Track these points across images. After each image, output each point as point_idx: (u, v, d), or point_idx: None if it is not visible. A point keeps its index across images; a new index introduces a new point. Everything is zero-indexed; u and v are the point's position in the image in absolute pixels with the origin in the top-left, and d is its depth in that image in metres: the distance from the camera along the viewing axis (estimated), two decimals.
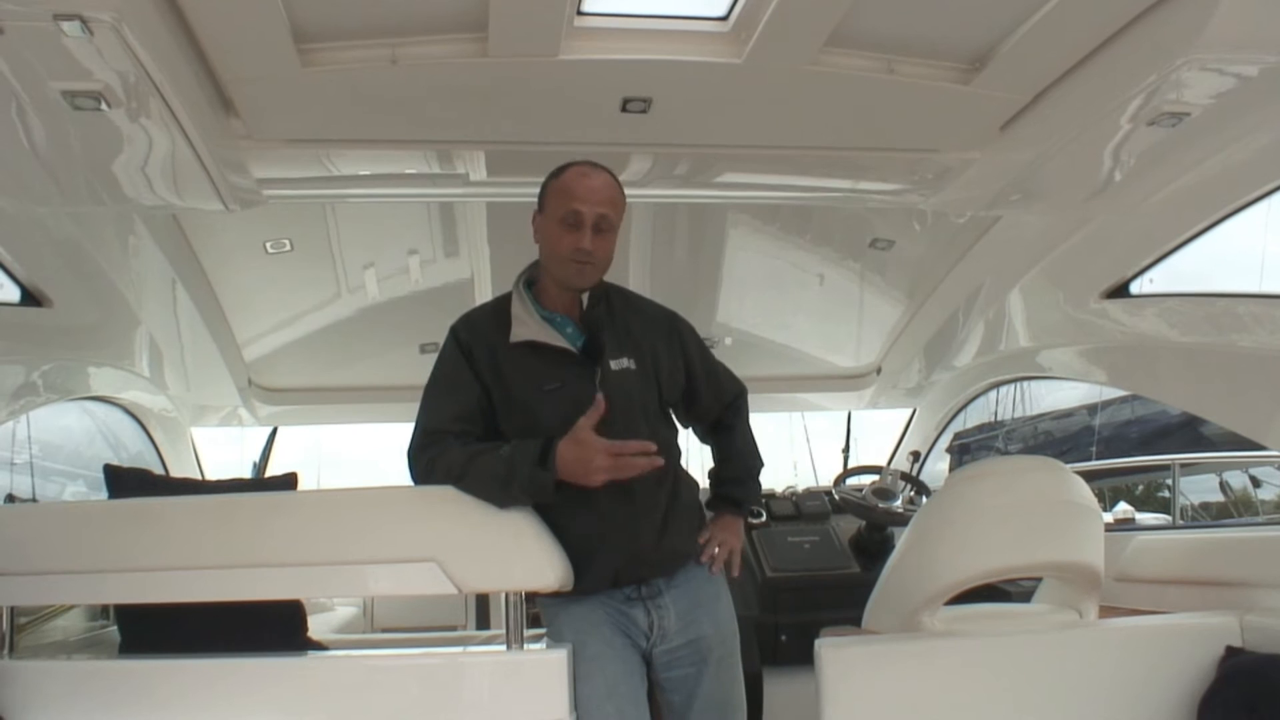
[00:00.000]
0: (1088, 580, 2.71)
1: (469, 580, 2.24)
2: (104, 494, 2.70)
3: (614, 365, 2.38)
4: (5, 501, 3.81)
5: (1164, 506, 8.43)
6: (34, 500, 4.03)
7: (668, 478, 2.44)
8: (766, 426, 2.73)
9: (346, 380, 5.17)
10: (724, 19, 2.64)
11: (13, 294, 3.11)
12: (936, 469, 5.62)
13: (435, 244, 4.23)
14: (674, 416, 2.61)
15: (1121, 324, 3.56)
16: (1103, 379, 4.16)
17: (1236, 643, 2.46)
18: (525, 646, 2.29)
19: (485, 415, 2.39)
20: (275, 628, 2.50)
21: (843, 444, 5.93)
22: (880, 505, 3.97)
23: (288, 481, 2.83)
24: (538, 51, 2.59)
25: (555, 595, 2.36)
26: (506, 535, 2.23)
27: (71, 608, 3.02)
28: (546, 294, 2.44)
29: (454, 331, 2.44)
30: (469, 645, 3.39)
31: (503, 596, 2.30)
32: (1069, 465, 2.92)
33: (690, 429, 2.70)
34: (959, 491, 2.76)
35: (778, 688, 3.45)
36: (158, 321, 4.05)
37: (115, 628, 2.80)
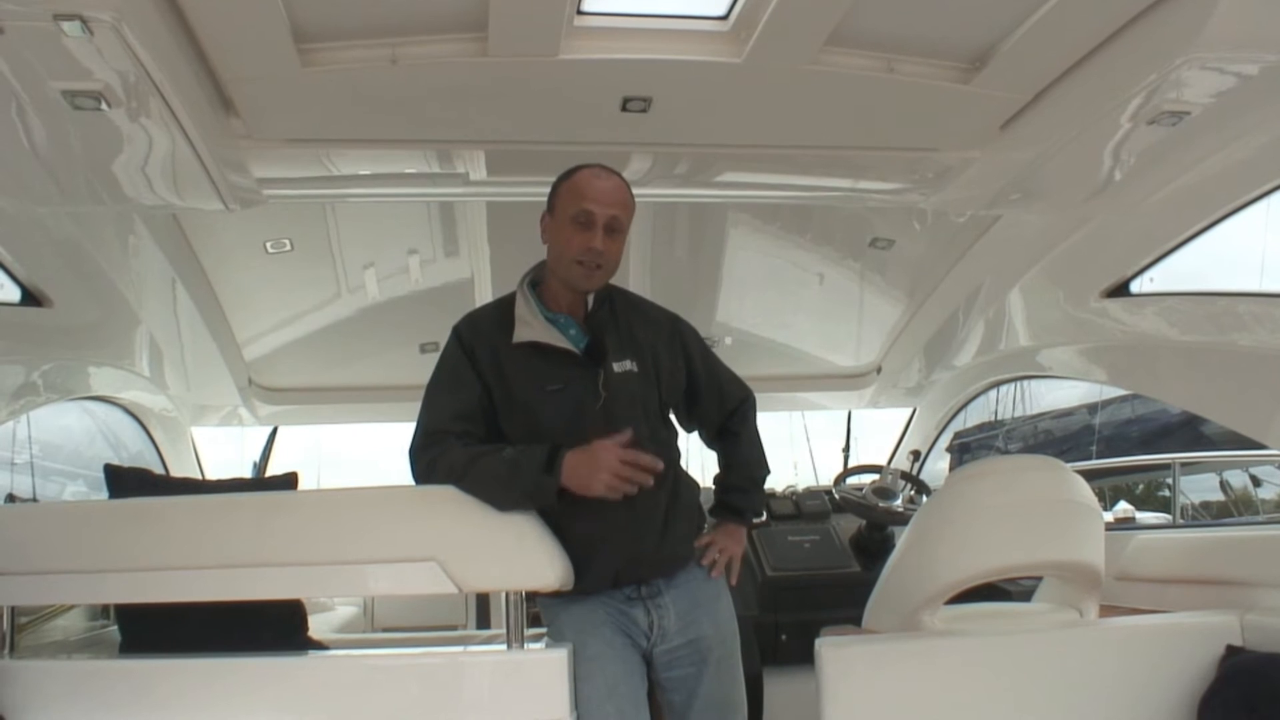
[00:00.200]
0: (1088, 579, 2.71)
1: (469, 580, 2.24)
2: (104, 494, 2.70)
3: (616, 367, 2.38)
4: (6, 501, 3.81)
5: (1164, 505, 8.44)
6: (34, 500, 4.03)
7: (668, 479, 2.43)
8: (767, 426, 2.72)
9: (347, 380, 5.17)
10: (724, 18, 2.64)
11: (13, 294, 3.11)
12: (937, 468, 5.62)
13: (435, 244, 4.23)
14: (675, 419, 2.61)
15: (1121, 323, 3.56)
16: (1103, 378, 4.16)
17: (1237, 642, 2.46)
18: (525, 646, 2.29)
19: (487, 415, 2.38)
20: (275, 627, 2.50)
21: (843, 443, 5.94)
22: (880, 504, 3.97)
23: (288, 481, 2.83)
24: (538, 51, 2.59)
25: (555, 595, 2.36)
26: (507, 535, 2.23)
27: (72, 607, 3.02)
28: (551, 295, 2.43)
29: (457, 331, 2.44)
30: (469, 645, 3.40)
31: (503, 596, 2.30)
32: (1069, 464, 2.92)
33: (694, 432, 2.68)
34: (959, 491, 2.76)
35: (778, 687, 3.44)
36: (158, 321, 4.05)
37: (115, 627, 2.81)
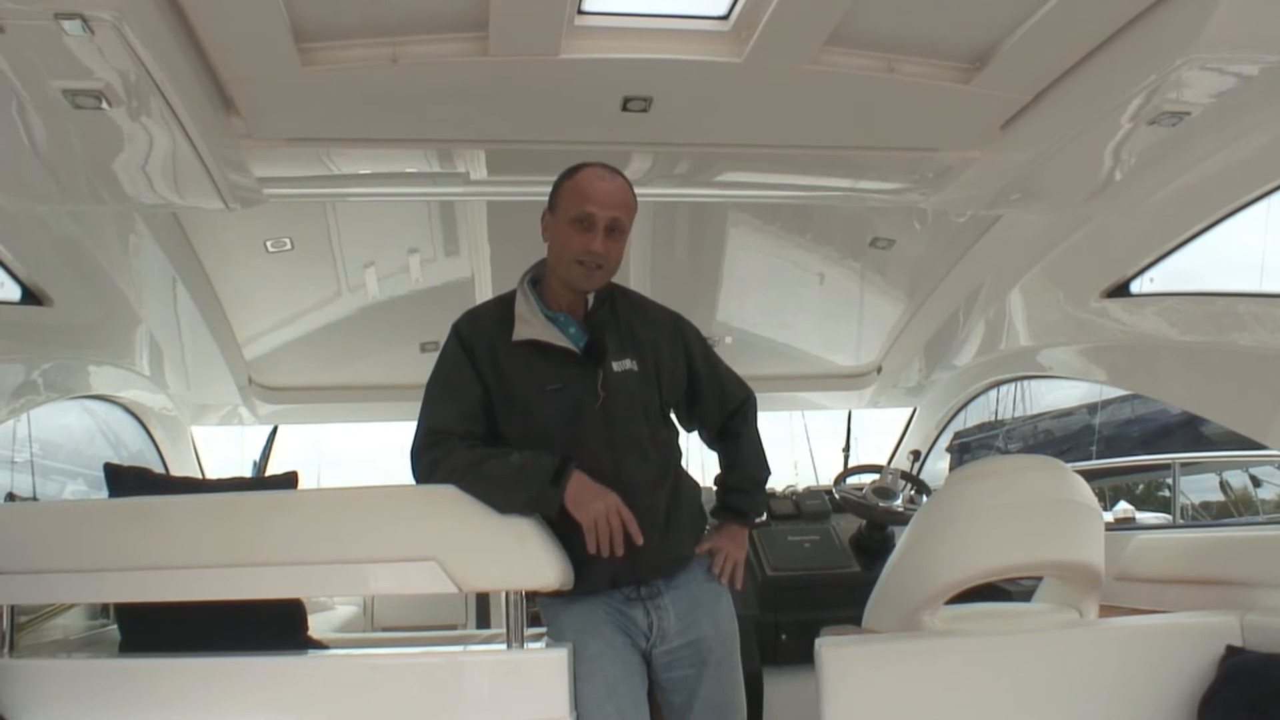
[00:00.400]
0: (1088, 579, 2.71)
1: (469, 579, 2.24)
2: (104, 493, 2.70)
3: (616, 367, 2.37)
4: (5, 500, 3.81)
5: (1164, 506, 8.45)
6: (34, 499, 4.03)
7: (668, 479, 2.44)
8: (767, 426, 2.72)
9: (347, 379, 5.17)
10: (724, 18, 2.64)
11: (13, 292, 3.11)
12: (937, 468, 5.62)
13: (436, 243, 4.23)
14: (676, 419, 2.61)
15: (1122, 323, 3.56)
16: (1103, 378, 4.16)
17: (1237, 642, 2.46)
18: (525, 646, 2.29)
19: (487, 413, 2.38)
20: (275, 626, 2.50)
21: (843, 443, 5.93)
22: (880, 504, 3.97)
23: (288, 480, 2.83)
24: (538, 51, 2.59)
25: (556, 595, 2.36)
26: (507, 535, 2.23)
27: (71, 606, 3.02)
28: (551, 293, 2.43)
29: (456, 329, 2.44)
30: (469, 644, 3.40)
31: (503, 596, 2.30)
32: (1069, 464, 2.92)
33: (695, 432, 2.68)
34: (959, 490, 2.76)
35: (778, 687, 3.44)
36: (158, 320, 4.05)
37: (115, 626, 2.81)
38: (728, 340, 4.91)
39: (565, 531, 2.30)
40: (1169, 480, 8.31)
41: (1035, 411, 9.94)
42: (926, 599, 2.54)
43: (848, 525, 4.11)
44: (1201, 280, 3.31)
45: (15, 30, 2.16)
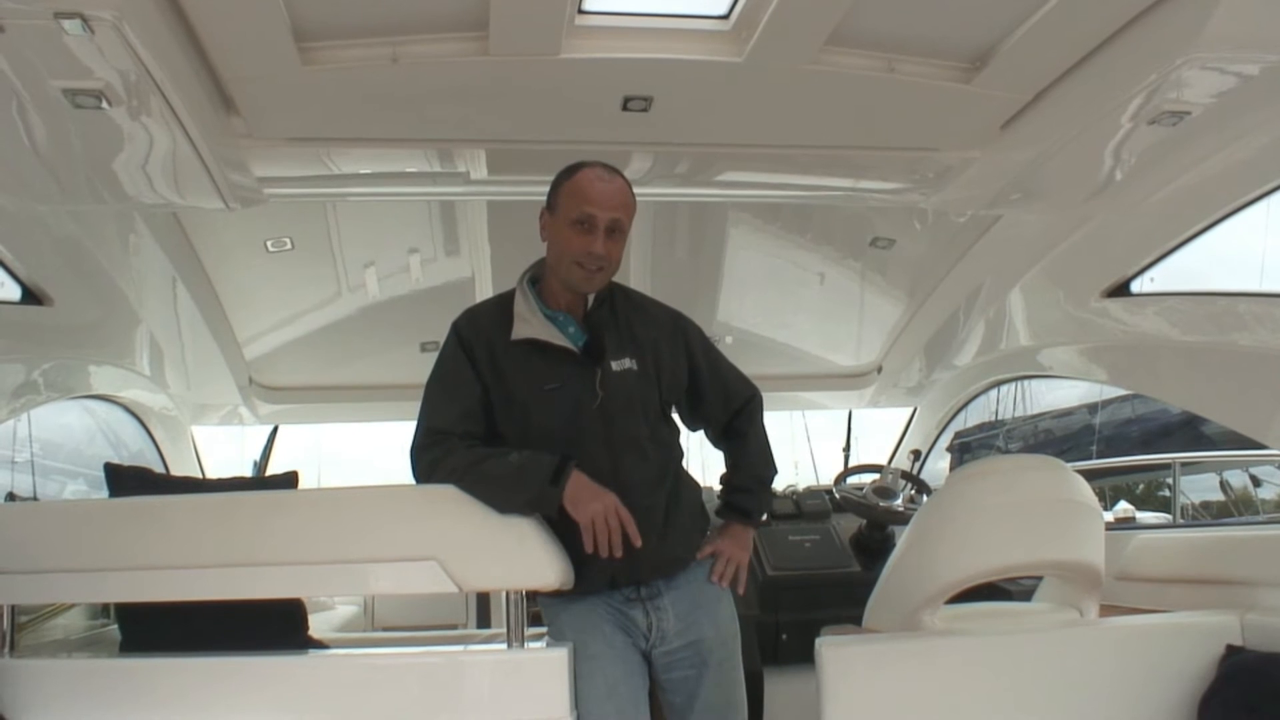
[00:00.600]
0: (1088, 579, 2.71)
1: (470, 579, 2.24)
2: (104, 492, 2.70)
3: (615, 366, 2.37)
4: (6, 500, 3.81)
5: (1164, 505, 8.46)
6: (34, 499, 4.03)
7: (668, 479, 2.44)
8: (767, 425, 2.71)
9: (347, 379, 5.17)
10: (725, 18, 2.64)
11: (13, 292, 3.11)
12: (937, 468, 5.62)
13: (436, 243, 4.23)
14: (679, 418, 2.60)
15: (1122, 323, 3.56)
16: (1103, 378, 4.16)
17: (1237, 641, 2.46)
18: (526, 645, 2.29)
19: (487, 413, 2.38)
20: (276, 626, 2.50)
21: (843, 443, 5.93)
22: (881, 504, 3.97)
23: (288, 480, 2.83)
24: (538, 50, 2.59)
25: (556, 594, 2.36)
26: (507, 534, 2.23)
27: (72, 606, 3.02)
28: (551, 292, 2.42)
29: (456, 328, 2.44)
30: (469, 644, 3.40)
31: (503, 595, 2.30)
32: (1069, 464, 2.92)
33: (699, 431, 2.67)
34: (959, 490, 2.76)
35: (778, 687, 3.44)
36: (158, 320, 4.05)
37: (116, 626, 2.80)
38: (728, 340, 4.91)
39: (565, 531, 2.29)
40: (1169, 480, 8.32)
41: (1035, 411, 9.96)
42: (927, 599, 2.54)
43: (848, 525, 4.11)
44: (1202, 280, 3.31)
45: (15, 30, 2.16)
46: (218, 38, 2.47)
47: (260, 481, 3.61)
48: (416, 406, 2.40)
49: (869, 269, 4.60)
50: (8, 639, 2.35)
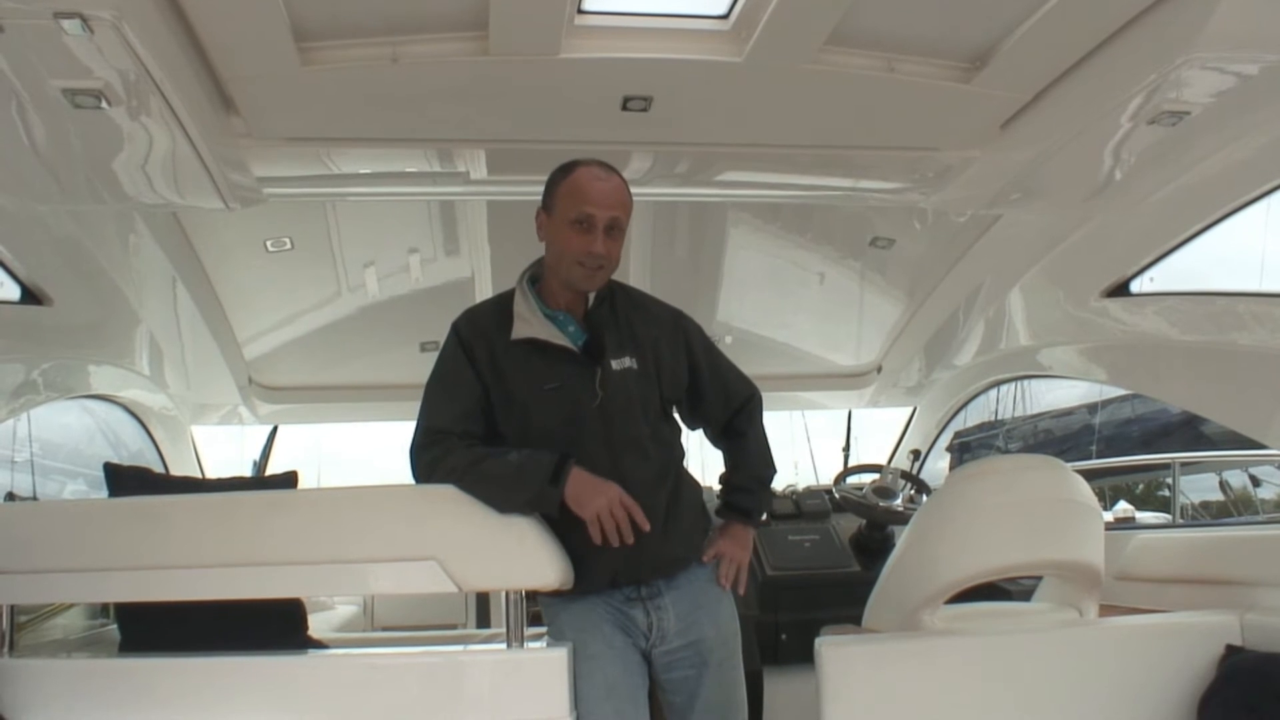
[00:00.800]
0: (1088, 579, 2.71)
1: (469, 579, 2.24)
2: (104, 492, 2.70)
3: (615, 365, 2.36)
4: (5, 500, 3.81)
5: (1164, 505, 8.46)
6: (34, 498, 4.03)
7: (668, 478, 2.43)
8: (767, 425, 2.71)
9: (347, 379, 5.17)
10: (724, 17, 2.64)
11: (13, 292, 3.11)
12: (937, 467, 5.62)
13: (436, 242, 4.23)
14: (679, 417, 2.59)
15: (1122, 322, 3.56)
16: (1103, 377, 4.16)
17: (1236, 641, 2.46)
18: (525, 645, 2.29)
19: (486, 413, 2.38)
20: (275, 626, 2.50)
21: (843, 442, 5.93)
22: (880, 504, 3.97)
23: (288, 480, 2.83)
24: (538, 50, 2.59)
25: (556, 594, 2.36)
26: (507, 534, 2.23)
27: (71, 606, 3.02)
28: (550, 292, 2.42)
29: (455, 328, 2.43)
30: (469, 644, 3.40)
31: (503, 595, 2.30)
32: (1069, 464, 2.92)
33: (699, 430, 2.66)
34: (959, 490, 2.76)
35: (778, 687, 3.44)
36: (158, 320, 4.05)
37: (115, 626, 2.80)
38: (728, 340, 4.91)
39: (565, 531, 2.30)
40: (1169, 480, 8.32)
41: (1035, 411, 9.96)
42: (926, 598, 2.54)
43: (848, 525, 4.11)
44: (1201, 280, 3.31)
45: (15, 30, 2.16)
46: (217, 37, 2.47)
47: (260, 481, 3.61)
48: (416, 406, 2.40)
49: (869, 269, 4.60)
50: (7, 639, 2.35)
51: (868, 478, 4.26)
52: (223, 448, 5.65)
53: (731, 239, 4.38)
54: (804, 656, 2.49)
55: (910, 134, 3.17)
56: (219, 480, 3.22)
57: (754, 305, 4.88)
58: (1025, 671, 2.45)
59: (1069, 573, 2.78)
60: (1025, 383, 6.74)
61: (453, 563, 2.20)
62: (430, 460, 2.31)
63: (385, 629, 5.04)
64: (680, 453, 2.53)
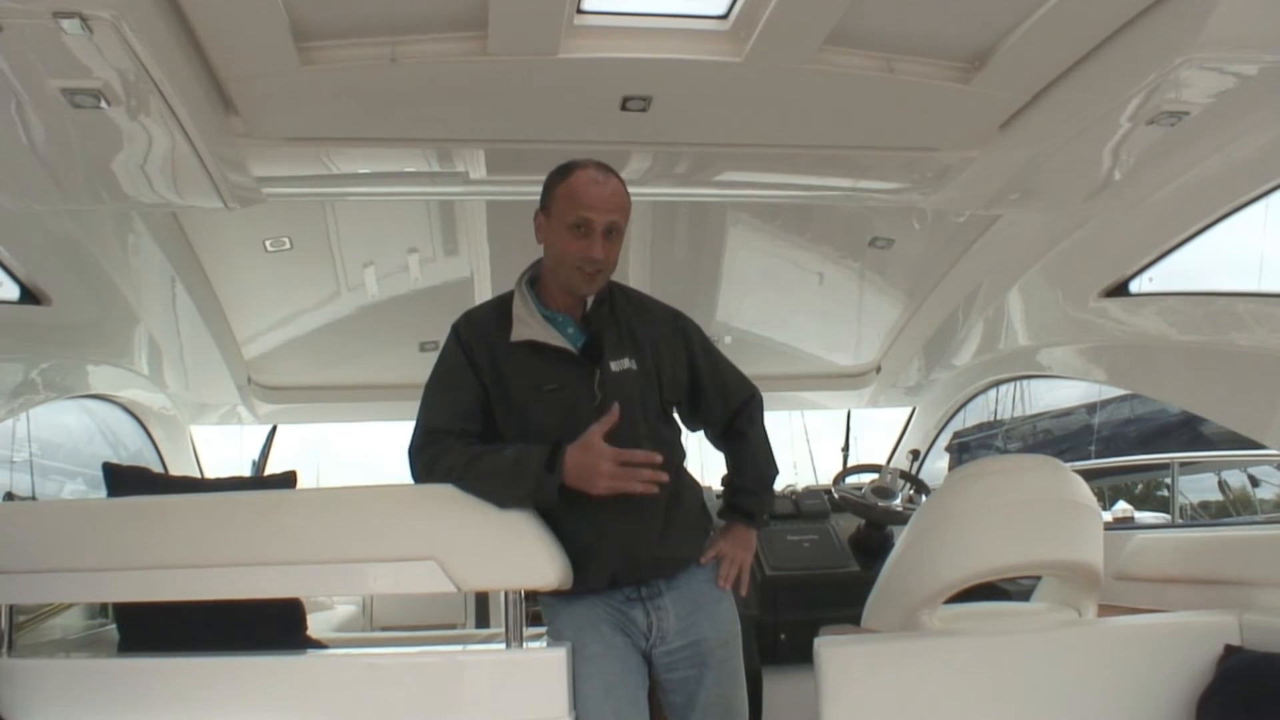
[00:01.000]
0: (1087, 579, 2.71)
1: (469, 579, 2.24)
2: (103, 492, 2.70)
3: (614, 366, 2.36)
4: (4, 499, 3.81)
5: (1163, 505, 8.46)
6: (33, 498, 4.03)
7: (669, 479, 2.43)
8: (767, 425, 2.71)
9: (346, 379, 5.17)
10: (724, 17, 2.64)
11: (12, 292, 3.11)
12: (936, 467, 5.62)
13: (435, 242, 4.23)
14: (679, 418, 2.59)
15: (1121, 322, 3.56)
16: (1102, 378, 4.16)
17: (1235, 641, 2.46)
18: (525, 645, 2.29)
19: (486, 414, 2.38)
20: (274, 626, 2.50)
21: (842, 442, 5.93)
22: (880, 504, 3.97)
23: (287, 480, 2.83)
24: (537, 50, 2.59)
25: (555, 594, 2.36)
26: (506, 534, 2.23)
27: (70, 606, 3.02)
28: (549, 293, 2.42)
29: (455, 329, 2.43)
30: (468, 644, 3.40)
31: (502, 595, 2.30)
32: (1068, 464, 2.92)
33: (699, 432, 2.66)
34: (958, 490, 2.76)
35: (777, 687, 3.44)
36: (157, 320, 4.05)
37: (114, 626, 2.80)
38: (727, 340, 4.91)
39: (565, 531, 2.30)
40: (1168, 480, 8.32)
41: (1034, 411, 9.96)
42: (926, 598, 2.54)
43: (847, 525, 4.11)
44: (1201, 280, 3.32)
45: (14, 29, 2.15)
46: (216, 37, 2.47)
47: (259, 481, 3.61)
48: (415, 406, 2.40)
49: (868, 269, 4.60)
50: (6, 639, 2.35)
51: (867, 478, 4.27)
52: (222, 448, 5.66)
53: (731, 239, 4.38)
54: (803, 656, 2.49)
55: (909, 134, 3.17)
56: (218, 480, 3.22)
57: (753, 305, 4.88)
58: (1024, 671, 2.45)
59: (1068, 573, 2.78)
60: (1024, 383, 6.74)
61: (452, 563, 2.20)
62: (429, 460, 2.31)
63: (384, 629, 5.04)
64: (681, 453, 2.53)
